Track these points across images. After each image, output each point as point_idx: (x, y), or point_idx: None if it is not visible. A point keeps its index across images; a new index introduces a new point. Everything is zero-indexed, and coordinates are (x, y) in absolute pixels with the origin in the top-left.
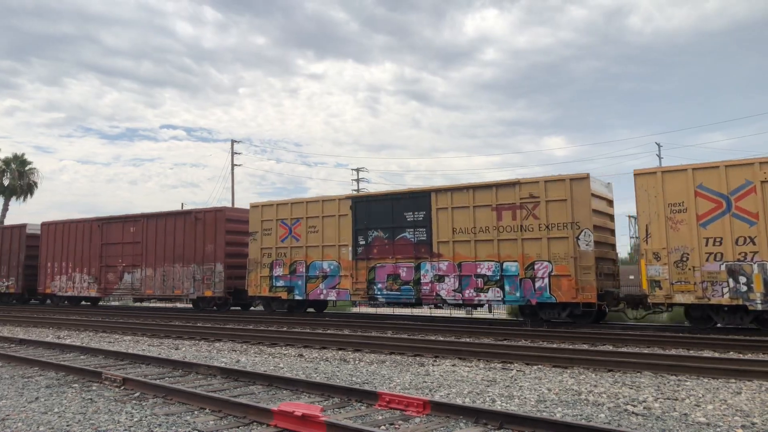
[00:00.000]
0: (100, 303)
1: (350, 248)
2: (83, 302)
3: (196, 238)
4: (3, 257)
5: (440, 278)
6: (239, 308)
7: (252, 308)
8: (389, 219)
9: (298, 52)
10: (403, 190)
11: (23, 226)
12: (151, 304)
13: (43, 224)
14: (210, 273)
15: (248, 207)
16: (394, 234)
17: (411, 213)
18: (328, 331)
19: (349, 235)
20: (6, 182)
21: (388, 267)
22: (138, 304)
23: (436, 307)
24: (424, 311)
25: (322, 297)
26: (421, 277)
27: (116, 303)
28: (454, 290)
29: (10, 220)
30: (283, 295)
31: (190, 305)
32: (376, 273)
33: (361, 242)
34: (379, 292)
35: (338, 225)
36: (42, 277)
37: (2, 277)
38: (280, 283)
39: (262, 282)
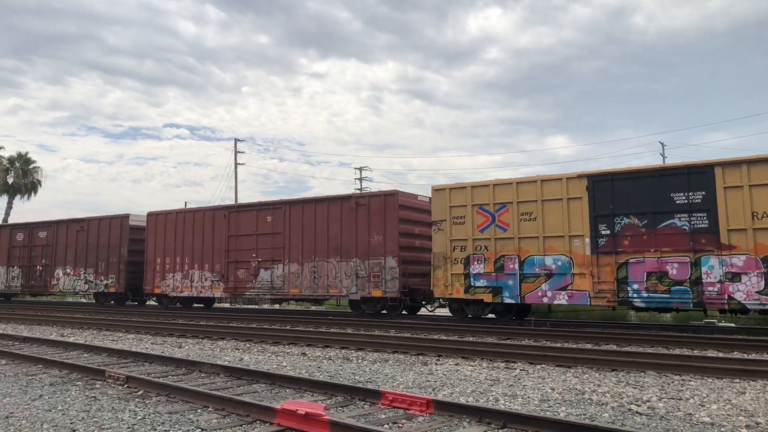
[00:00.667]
0: (223, 305)
1: (587, 239)
2: (195, 304)
3: (357, 227)
4: (101, 252)
5: (734, 277)
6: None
7: (424, 311)
8: (647, 202)
9: (301, 51)
10: (669, 165)
11: (125, 217)
12: (288, 307)
13: (150, 214)
14: (379, 269)
15: (414, 192)
16: (655, 221)
17: (682, 194)
18: (331, 330)
19: (584, 223)
20: (10, 181)
21: (649, 263)
22: (275, 306)
23: (730, 313)
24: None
25: (545, 300)
26: (703, 275)
27: (258, 306)
28: (758, 292)
29: (13, 219)
30: (486, 298)
31: (342, 307)
32: (630, 270)
33: (604, 232)
34: (635, 295)
35: (566, 210)
36: (149, 275)
37: (100, 274)
38: (481, 282)
39: (453, 281)
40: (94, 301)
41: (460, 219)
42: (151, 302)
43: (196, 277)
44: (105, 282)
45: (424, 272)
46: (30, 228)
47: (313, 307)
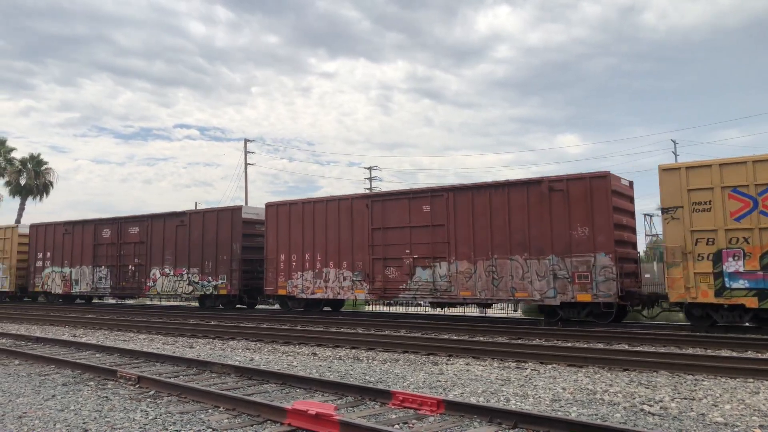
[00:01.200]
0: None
1: None
2: (326, 308)
3: (552, 217)
4: (207, 249)
5: None
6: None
7: (640, 317)
8: None
9: (310, 51)
10: None
11: (237, 209)
12: (442, 312)
13: (270, 205)
14: (586, 268)
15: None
16: None
17: None
18: (342, 330)
19: None
20: (23, 182)
21: None
22: (438, 311)
23: None
24: (437, 311)
25: None
26: None
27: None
28: None
29: (26, 220)
30: (749, 302)
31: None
32: None
33: None
34: None
35: None
36: (271, 275)
37: (206, 274)
38: (740, 283)
39: (698, 281)
40: (197, 305)
41: (703, 205)
42: (263, 305)
43: (332, 276)
44: (214, 283)
45: (633, 271)
46: (119, 223)
47: (319, 309)
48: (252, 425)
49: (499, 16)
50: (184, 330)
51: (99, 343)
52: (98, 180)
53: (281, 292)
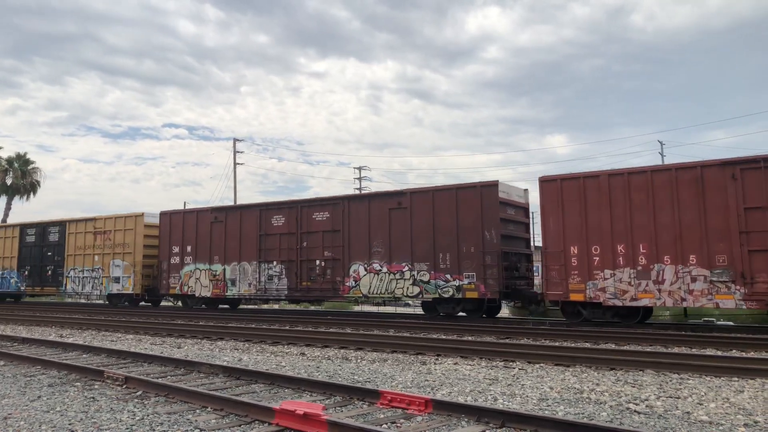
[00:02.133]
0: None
1: None
2: (642, 321)
3: None
4: (442, 239)
5: None
6: None
7: None
8: None
9: (300, 51)
10: None
11: (491, 186)
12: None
13: (547, 180)
14: None
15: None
16: None
17: None
18: (331, 330)
19: None
20: (9, 182)
21: None
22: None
23: None
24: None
25: None
26: None
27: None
28: None
29: (12, 220)
30: None
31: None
32: None
33: None
34: None
35: None
36: (556, 274)
37: (441, 271)
38: None
39: None
40: (422, 312)
41: None
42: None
43: (668, 274)
44: (456, 283)
45: None
46: (297, 207)
47: (312, 307)
48: (240, 425)
49: (489, 16)
50: (172, 330)
51: (86, 343)
52: (86, 179)
53: (575, 297)
